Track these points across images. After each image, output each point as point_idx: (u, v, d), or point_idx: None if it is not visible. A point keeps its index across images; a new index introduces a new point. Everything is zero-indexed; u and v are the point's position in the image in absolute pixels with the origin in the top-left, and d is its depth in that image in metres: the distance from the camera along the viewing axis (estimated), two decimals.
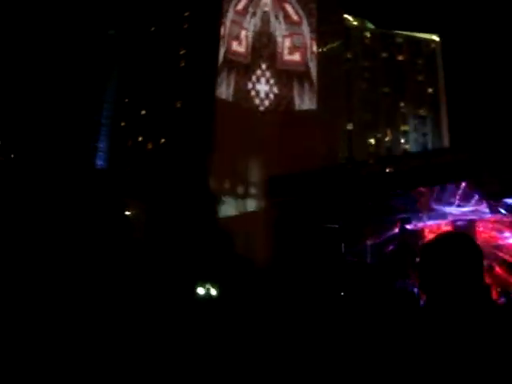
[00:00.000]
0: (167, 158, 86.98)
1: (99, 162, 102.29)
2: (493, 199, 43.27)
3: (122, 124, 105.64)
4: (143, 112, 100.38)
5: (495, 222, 46.10)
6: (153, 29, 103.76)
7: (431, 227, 48.72)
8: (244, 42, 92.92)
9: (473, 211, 45.84)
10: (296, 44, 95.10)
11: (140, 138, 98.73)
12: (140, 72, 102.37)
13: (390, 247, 50.11)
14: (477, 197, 44.27)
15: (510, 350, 4.34)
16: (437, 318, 4.72)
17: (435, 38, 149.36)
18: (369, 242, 50.37)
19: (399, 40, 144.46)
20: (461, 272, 4.58)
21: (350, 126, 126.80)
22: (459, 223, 47.11)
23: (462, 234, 5.09)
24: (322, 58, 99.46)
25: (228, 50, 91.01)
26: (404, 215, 49.52)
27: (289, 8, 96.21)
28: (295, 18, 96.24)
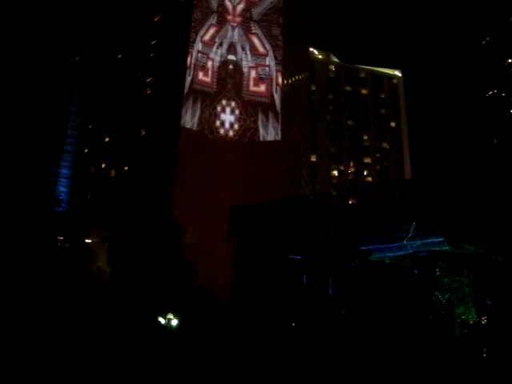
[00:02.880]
0: (130, 186, 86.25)
1: (61, 189, 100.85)
2: (452, 233, 43.98)
3: (86, 150, 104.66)
4: (107, 139, 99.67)
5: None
6: (119, 56, 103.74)
7: (392, 258, 49.19)
8: (210, 72, 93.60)
9: (433, 243, 46.42)
10: (262, 75, 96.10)
11: (103, 165, 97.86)
12: (105, 99, 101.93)
13: (352, 278, 50.27)
14: (437, 230, 44.90)
15: None
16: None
17: (397, 73, 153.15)
18: (331, 273, 50.44)
19: (363, 74, 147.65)
20: None
21: (313, 158, 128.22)
22: (420, 255, 47.61)
23: None
24: (287, 90, 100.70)
25: (194, 80, 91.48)
26: (366, 247, 49.80)
27: (255, 40, 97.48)
28: (261, 49, 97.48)
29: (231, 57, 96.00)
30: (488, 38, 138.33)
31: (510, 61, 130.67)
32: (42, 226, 57.43)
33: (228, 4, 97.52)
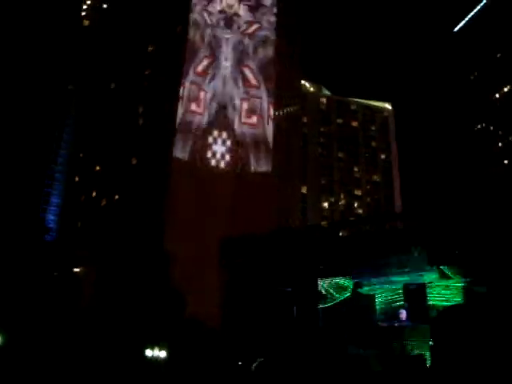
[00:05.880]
0: (121, 215, 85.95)
1: (51, 217, 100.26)
2: (442, 264, 44.09)
3: (76, 179, 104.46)
4: (98, 168, 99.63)
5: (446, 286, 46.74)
6: (113, 85, 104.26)
7: (383, 291, 49.07)
8: (202, 103, 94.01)
9: (422, 276, 46.44)
10: (253, 107, 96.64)
11: (94, 194, 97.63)
12: (97, 127, 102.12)
13: (343, 310, 49.97)
14: (426, 262, 44.99)
15: None
16: None
17: (388, 106, 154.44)
18: (321, 306, 50.19)
19: (353, 107, 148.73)
20: None
21: (304, 190, 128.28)
22: (411, 287, 47.54)
23: None
24: (278, 122, 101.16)
25: (186, 110, 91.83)
26: (356, 279, 49.69)
27: (248, 72, 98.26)
28: (254, 82, 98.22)
29: (223, 89, 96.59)
30: (476, 73, 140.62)
31: (497, 95, 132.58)
32: (31, 254, 57.03)
33: (221, 36, 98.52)
